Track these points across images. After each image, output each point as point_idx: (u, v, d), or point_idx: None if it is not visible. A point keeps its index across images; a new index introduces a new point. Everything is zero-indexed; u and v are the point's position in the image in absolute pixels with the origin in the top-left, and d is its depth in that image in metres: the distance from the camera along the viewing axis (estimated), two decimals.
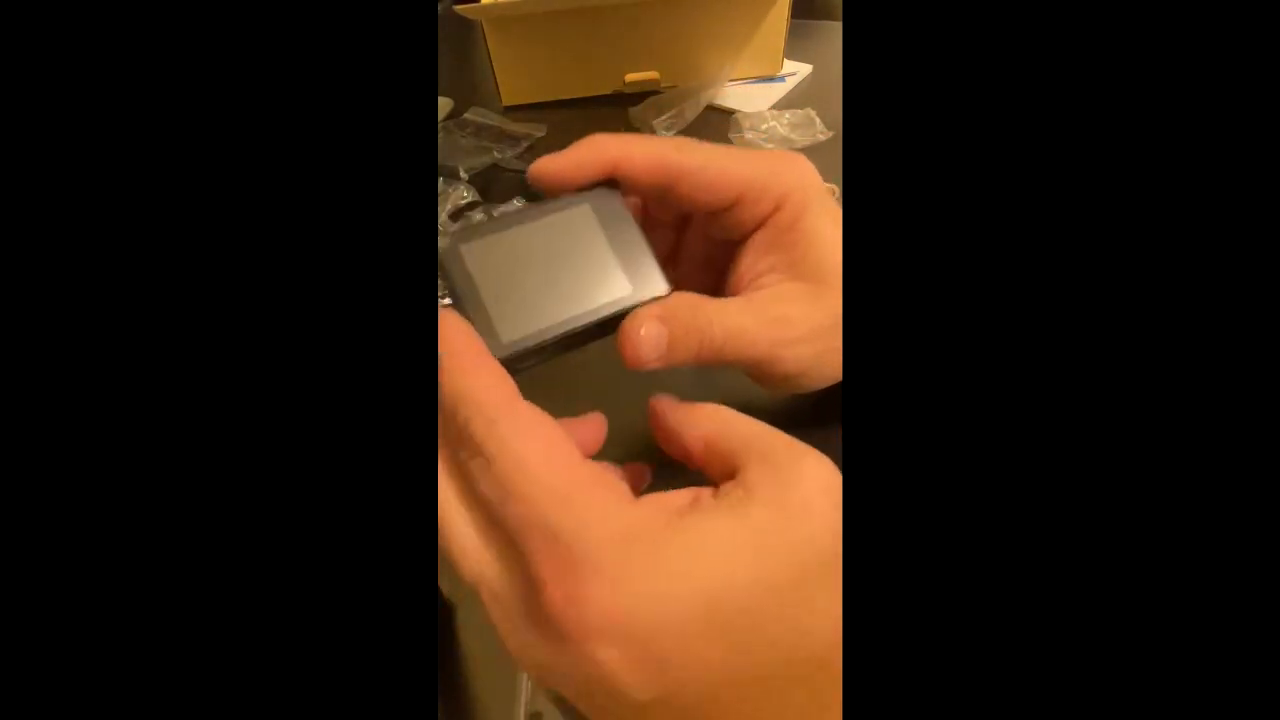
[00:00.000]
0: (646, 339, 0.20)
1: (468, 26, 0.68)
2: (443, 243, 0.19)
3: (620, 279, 0.21)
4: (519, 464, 0.16)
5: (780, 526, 0.16)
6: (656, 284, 0.21)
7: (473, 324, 0.18)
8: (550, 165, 0.21)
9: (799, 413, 0.36)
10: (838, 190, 0.49)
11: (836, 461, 0.17)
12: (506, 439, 0.16)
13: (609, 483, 0.17)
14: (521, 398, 0.17)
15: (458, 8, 0.62)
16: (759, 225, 0.23)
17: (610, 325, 0.21)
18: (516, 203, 0.51)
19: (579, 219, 0.21)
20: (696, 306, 0.21)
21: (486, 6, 0.63)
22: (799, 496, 0.17)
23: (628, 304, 0.21)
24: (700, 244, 0.26)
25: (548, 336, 0.20)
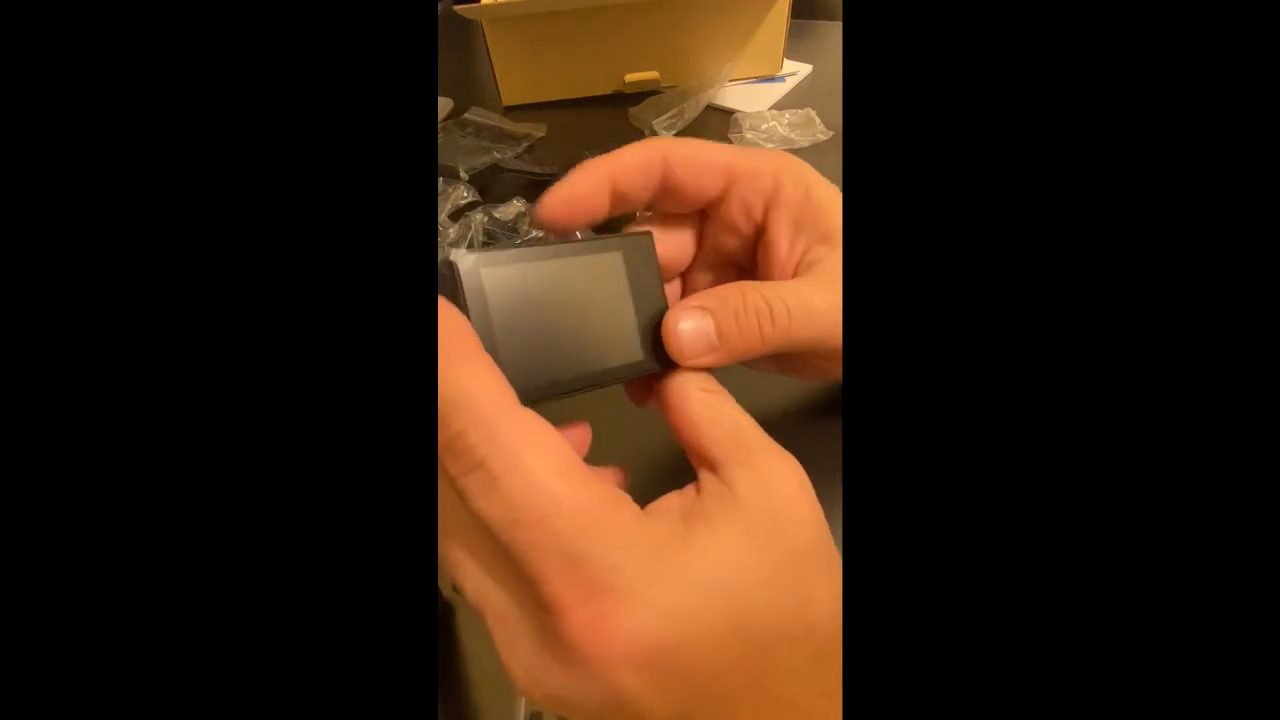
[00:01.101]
0: (688, 335, 0.19)
1: (468, 26, 0.68)
2: (466, 260, 0.17)
3: (634, 342, 0.20)
4: (529, 482, 0.15)
5: (773, 526, 0.16)
6: (668, 357, 0.20)
7: None
8: (557, 198, 0.20)
9: (798, 410, 0.36)
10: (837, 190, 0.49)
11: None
12: (513, 453, 0.15)
13: (620, 499, 0.16)
14: (519, 403, 0.16)
15: (458, 8, 0.62)
16: (768, 206, 0.22)
17: (621, 380, 0.20)
18: (516, 203, 0.51)
19: (608, 266, 0.20)
20: (747, 289, 0.20)
21: (486, 6, 0.63)
22: (782, 495, 0.17)
23: (635, 372, 0.20)
24: (718, 263, 0.24)
25: (550, 392, 0.19)
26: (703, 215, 0.23)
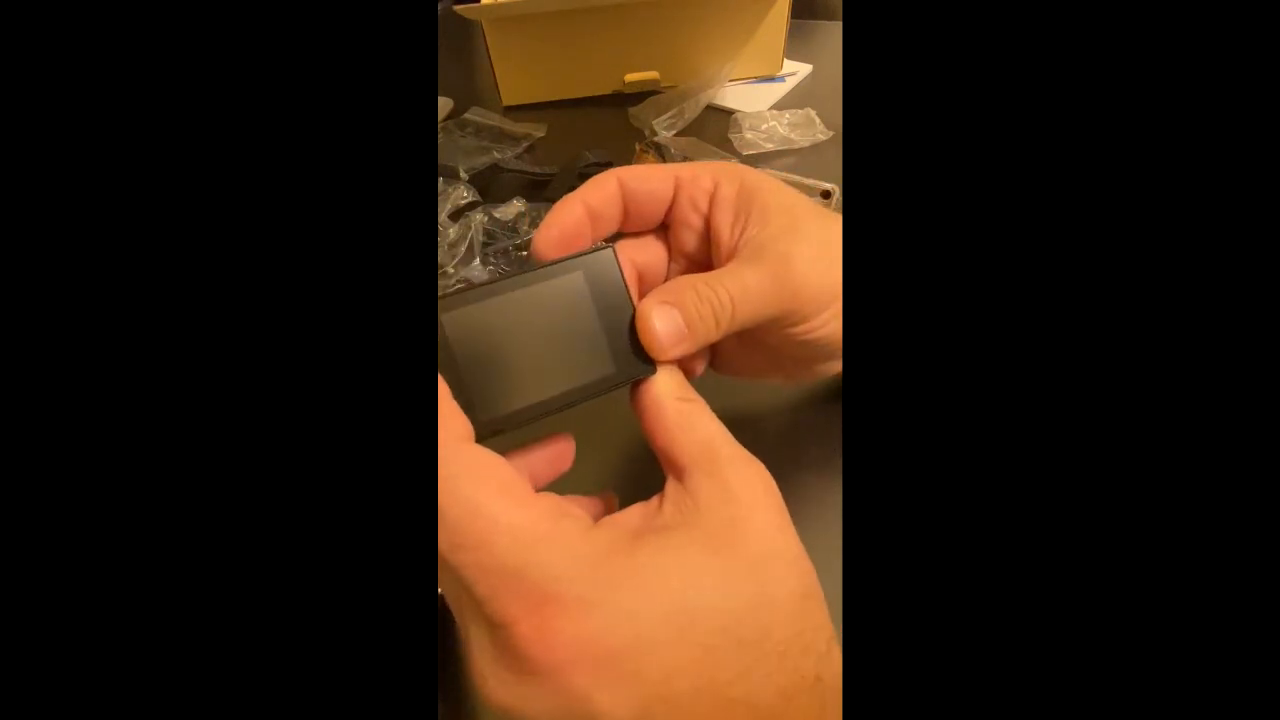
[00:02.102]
0: (663, 331, 0.20)
1: (468, 26, 0.68)
2: None
3: (604, 356, 0.20)
4: (468, 509, 0.16)
5: (729, 533, 0.17)
6: (641, 364, 0.20)
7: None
8: (548, 237, 0.21)
9: (798, 415, 0.36)
10: (837, 190, 0.49)
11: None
12: (453, 483, 0.16)
13: (563, 513, 0.17)
14: (470, 438, 0.17)
15: (458, 8, 0.62)
16: (711, 202, 0.24)
17: (594, 396, 0.20)
18: (516, 203, 0.51)
19: (570, 288, 0.20)
20: (695, 281, 0.21)
21: (486, 6, 0.63)
22: (742, 503, 0.17)
23: (608, 385, 0.20)
24: (688, 266, 0.26)
25: (523, 417, 0.19)
26: (665, 227, 0.25)
